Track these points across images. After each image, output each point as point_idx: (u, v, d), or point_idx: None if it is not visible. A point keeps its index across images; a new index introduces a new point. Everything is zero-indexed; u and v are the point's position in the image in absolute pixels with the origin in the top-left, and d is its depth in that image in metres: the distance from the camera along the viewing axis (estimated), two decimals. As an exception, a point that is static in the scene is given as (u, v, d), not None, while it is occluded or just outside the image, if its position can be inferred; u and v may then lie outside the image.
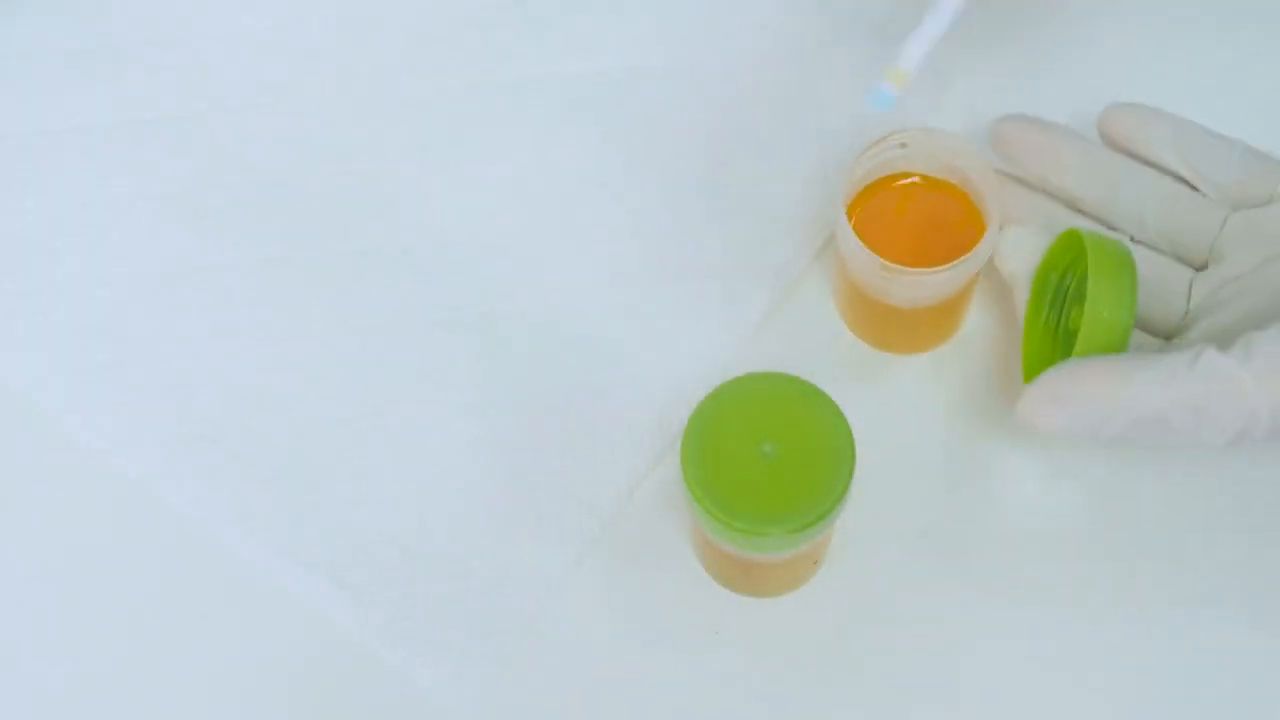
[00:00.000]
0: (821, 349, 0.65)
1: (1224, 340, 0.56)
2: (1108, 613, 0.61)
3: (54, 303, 0.66)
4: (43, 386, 0.65)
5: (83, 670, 0.61)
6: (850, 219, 0.62)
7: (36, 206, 0.68)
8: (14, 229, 0.67)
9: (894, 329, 0.64)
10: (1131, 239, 0.63)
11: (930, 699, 0.60)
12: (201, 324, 0.66)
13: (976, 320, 0.66)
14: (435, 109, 0.69)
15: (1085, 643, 0.61)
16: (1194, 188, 0.62)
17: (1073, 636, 0.61)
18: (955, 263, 0.59)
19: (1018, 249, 0.62)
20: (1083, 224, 0.63)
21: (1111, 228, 0.63)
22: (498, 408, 0.64)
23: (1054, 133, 0.63)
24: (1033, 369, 0.62)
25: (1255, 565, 0.61)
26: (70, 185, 0.68)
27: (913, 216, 0.63)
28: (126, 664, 0.61)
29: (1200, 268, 0.62)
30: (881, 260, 0.59)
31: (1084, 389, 0.56)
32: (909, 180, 0.63)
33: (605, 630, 0.61)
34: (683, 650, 0.61)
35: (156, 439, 0.64)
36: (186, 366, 0.65)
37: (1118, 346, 0.57)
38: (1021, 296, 0.62)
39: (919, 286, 0.60)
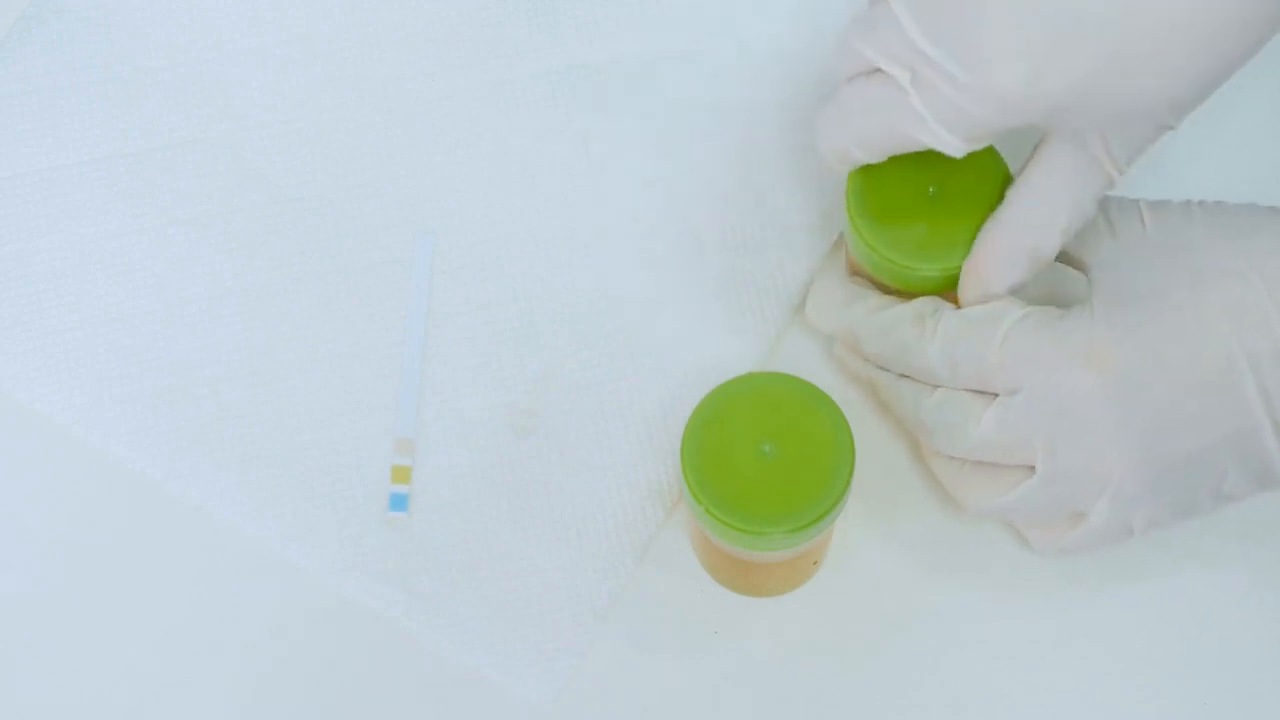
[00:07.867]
0: (822, 350, 0.65)
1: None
2: (1106, 607, 0.61)
3: (89, 331, 0.66)
4: (88, 418, 0.64)
5: (86, 671, 0.61)
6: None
7: (63, 241, 0.67)
8: (40, 263, 0.67)
9: None
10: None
11: (929, 699, 0.60)
12: (241, 341, 0.65)
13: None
14: (455, 109, 0.69)
15: (1085, 638, 0.61)
16: None
17: (1072, 634, 0.61)
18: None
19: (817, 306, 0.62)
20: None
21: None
22: (499, 413, 0.64)
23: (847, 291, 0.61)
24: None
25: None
26: (99, 216, 0.67)
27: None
28: (133, 667, 0.61)
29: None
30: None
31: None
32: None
33: (605, 630, 0.61)
34: (683, 650, 0.61)
35: (211, 463, 0.64)
36: (235, 389, 0.65)
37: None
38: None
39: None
